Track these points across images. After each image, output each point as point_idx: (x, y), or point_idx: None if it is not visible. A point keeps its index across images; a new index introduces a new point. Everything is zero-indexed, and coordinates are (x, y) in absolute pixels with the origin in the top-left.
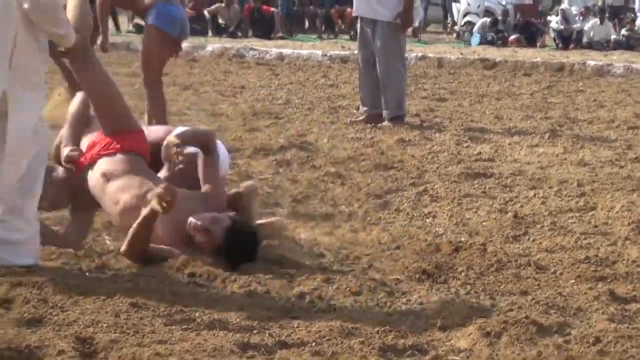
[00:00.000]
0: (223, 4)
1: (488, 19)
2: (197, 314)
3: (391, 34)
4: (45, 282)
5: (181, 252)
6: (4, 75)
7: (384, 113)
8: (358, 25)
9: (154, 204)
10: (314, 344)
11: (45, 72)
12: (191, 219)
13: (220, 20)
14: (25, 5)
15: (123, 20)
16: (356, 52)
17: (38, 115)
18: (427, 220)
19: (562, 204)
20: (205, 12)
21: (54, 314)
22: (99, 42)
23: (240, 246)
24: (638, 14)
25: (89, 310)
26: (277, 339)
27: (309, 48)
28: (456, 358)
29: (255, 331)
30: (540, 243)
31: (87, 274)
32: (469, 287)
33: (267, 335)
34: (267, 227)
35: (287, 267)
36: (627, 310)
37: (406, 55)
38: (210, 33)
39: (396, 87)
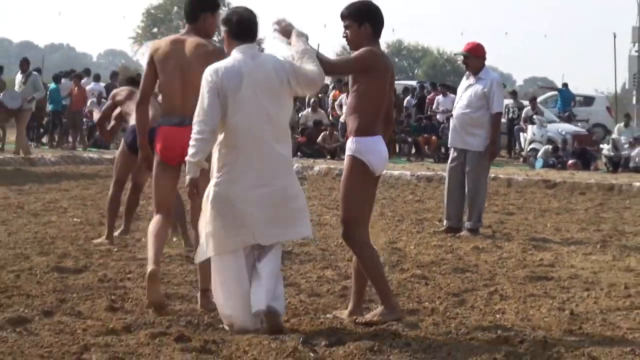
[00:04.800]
0: (327, 133)
1: (550, 147)
2: None
3: (479, 160)
4: None
5: None
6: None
7: (467, 224)
8: (451, 151)
9: None
10: None
11: None
12: None
13: (326, 146)
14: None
15: None
16: (439, 172)
17: None
18: (497, 316)
19: (612, 303)
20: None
21: None
22: None
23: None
24: None
25: None
26: None
27: (399, 169)
28: None
29: None
30: (592, 337)
31: None
32: None
33: None
34: None
35: None
36: None
37: None
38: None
39: (480, 203)
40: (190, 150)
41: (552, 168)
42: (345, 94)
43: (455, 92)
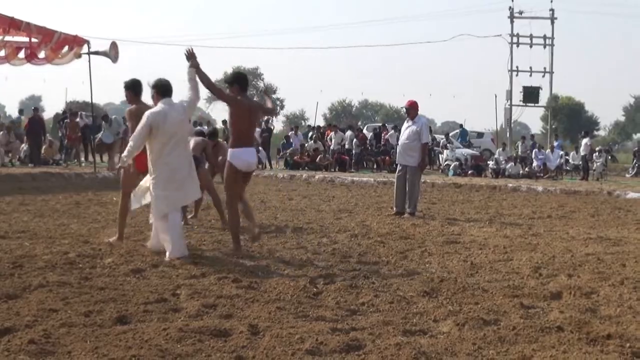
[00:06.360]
0: (322, 155)
1: (457, 163)
2: None
3: (415, 171)
4: None
5: None
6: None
7: (408, 210)
8: (398, 166)
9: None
10: None
11: None
12: None
13: (321, 163)
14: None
15: None
16: (392, 179)
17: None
18: (426, 265)
19: (495, 257)
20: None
21: None
22: None
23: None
24: (533, 160)
25: None
26: None
27: (367, 177)
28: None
29: None
30: (484, 277)
31: None
32: (449, 299)
33: None
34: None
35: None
36: (533, 308)
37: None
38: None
39: (416, 197)
40: (125, 153)
41: (459, 176)
42: (334, 131)
43: (398, 130)
